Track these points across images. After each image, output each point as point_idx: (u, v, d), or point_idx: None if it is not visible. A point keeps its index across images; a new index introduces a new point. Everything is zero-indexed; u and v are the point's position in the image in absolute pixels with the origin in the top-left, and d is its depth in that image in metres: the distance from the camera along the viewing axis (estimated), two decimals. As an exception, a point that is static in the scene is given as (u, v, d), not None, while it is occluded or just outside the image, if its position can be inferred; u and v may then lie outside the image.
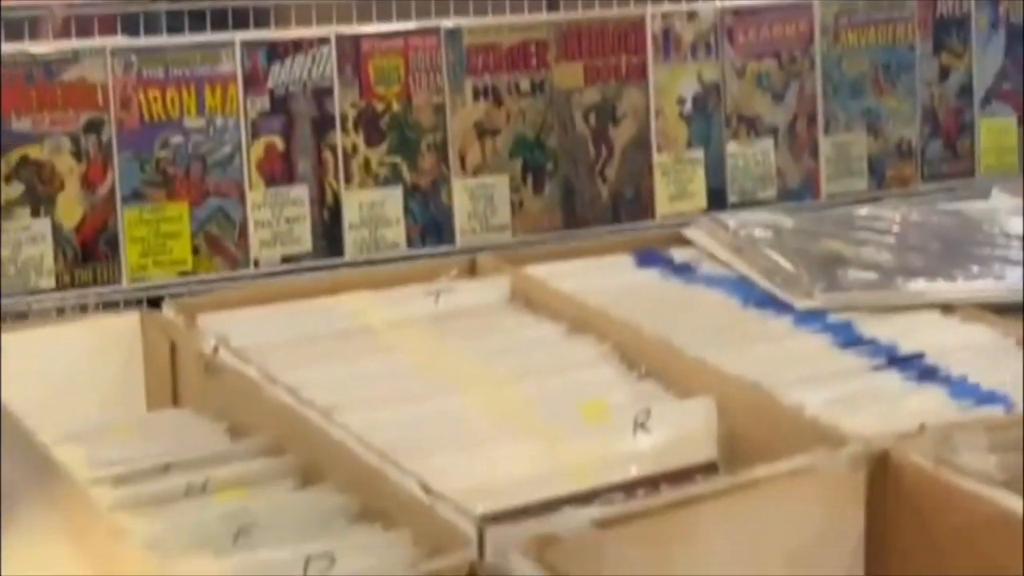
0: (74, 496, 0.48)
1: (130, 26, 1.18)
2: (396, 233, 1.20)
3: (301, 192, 1.17)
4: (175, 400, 0.72)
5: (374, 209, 1.20)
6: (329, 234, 1.19)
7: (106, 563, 0.42)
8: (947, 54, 1.45)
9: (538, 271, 0.78)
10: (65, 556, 0.42)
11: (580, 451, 0.60)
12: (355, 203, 1.17)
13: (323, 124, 1.17)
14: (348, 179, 1.19)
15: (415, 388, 0.67)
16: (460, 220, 1.24)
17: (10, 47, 1.05)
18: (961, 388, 0.65)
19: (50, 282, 1.06)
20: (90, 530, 0.47)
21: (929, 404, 0.65)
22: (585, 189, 1.31)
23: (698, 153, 1.35)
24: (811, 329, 0.71)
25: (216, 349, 0.67)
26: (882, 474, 0.60)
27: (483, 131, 1.24)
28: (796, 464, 0.55)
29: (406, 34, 1.20)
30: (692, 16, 1.33)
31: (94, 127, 1.08)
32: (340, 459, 0.57)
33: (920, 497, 0.59)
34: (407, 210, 1.21)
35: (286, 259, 1.16)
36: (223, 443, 0.62)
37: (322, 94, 1.16)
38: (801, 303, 0.71)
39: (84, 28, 1.17)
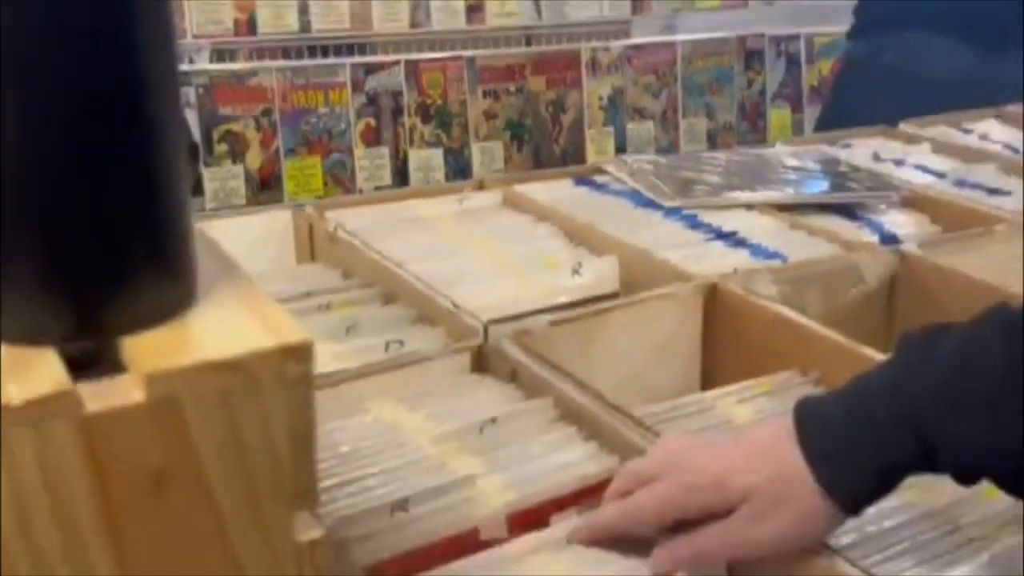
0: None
1: (288, 54, 1.69)
2: (440, 174, 1.81)
3: (384, 151, 1.75)
4: (312, 260, 0.84)
5: (426, 160, 1.78)
6: (400, 174, 1.77)
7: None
8: (752, 72, 2.02)
9: (518, 189, 0.94)
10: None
11: (542, 285, 0.74)
12: (415, 157, 1.77)
13: (397, 112, 1.74)
14: (411, 143, 1.77)
15: (449, 250, 0.82)
16: (475, 166, 1.81)
17: (219, 66, 1.66)
18: (757, 250, 0.83)
19: (241, 201, 1.66)
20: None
21: (739, 259, 0.80)
22: (545, 149, 1.91)
23: (610, 129, 1.95)
24: (673, 219, 0.88)
25: (335, 229, 0.80)
26: (712, 298, 0.73)
27: (488, 116, 1.82)
28: (663, 291, 0.70)
29: (444, 60, 1.75)
30: (607, 50, 1.86)
31: (267, 112, 1.67)
32: (407, 290, 0.73)
33: (734, 311, 0.72)
34: (445, 161, 1.80)
35: (376, 188, 1.74)
36: (340, 283, 0.78)
37: (396, 94, 1.72)
38: (668, 204, 0.89)
39: (261, 54, 1.68)
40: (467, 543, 0.44)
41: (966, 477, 0.40)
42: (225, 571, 0.24)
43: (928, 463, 0.39)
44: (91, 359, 0.22)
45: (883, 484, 0.41)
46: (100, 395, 0.22)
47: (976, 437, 0.38)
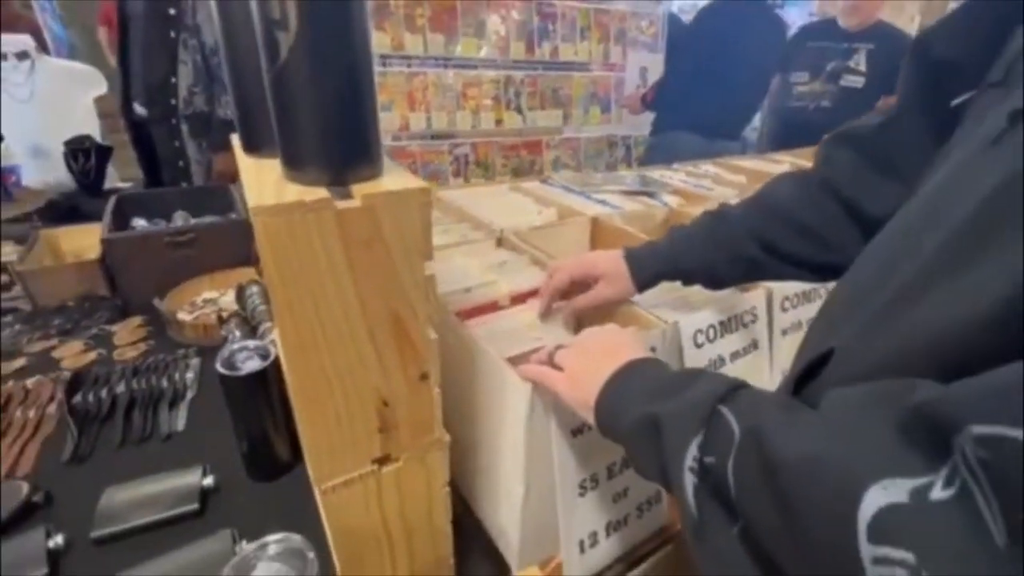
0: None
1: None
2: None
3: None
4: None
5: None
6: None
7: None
8: (618, 150, 2.57)
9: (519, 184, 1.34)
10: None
11: (521, 219, 1.04)
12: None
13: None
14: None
15: (489, 207, 1.10)
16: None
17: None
18: (613, 207, 1.12)
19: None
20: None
21: (607, 209, 1.10)
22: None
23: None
24: (580, 196, 1.21)
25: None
26: (596, 224, 1.03)
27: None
28: (574, 220, 1.02)
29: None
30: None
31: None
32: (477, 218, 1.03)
33: (603, 230, 1.01)
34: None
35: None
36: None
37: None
38: (578, 189, 1.29)
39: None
40: (493, 306, 0.70)
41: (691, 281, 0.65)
42: (396, 286, 0.38)
43: (675, 273, 0.64)
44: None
45: (656, 280, 0.65)
46: (343, 203, 0.35)
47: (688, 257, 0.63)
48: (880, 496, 0.23)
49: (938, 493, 0.22)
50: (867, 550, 0.22)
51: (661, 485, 0.38)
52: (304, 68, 0.32)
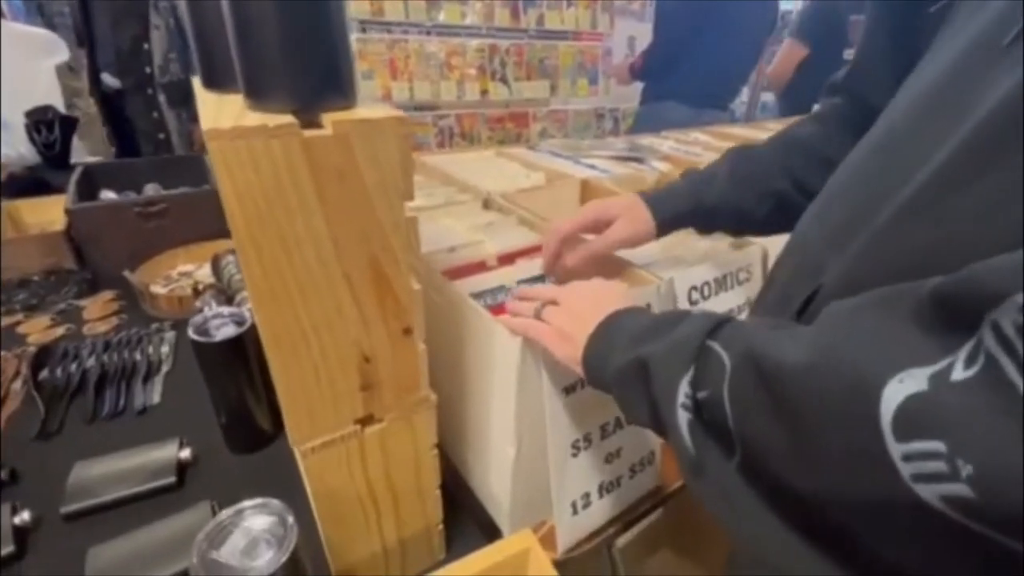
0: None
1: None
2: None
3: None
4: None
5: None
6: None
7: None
8: (608, 121, 2.46)
9: (505, 150, 1.33)
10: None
11: (508, 183, 0.99)
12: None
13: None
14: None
15: (477, 169, 1.10)
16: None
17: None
18: (603, 171, 1.12)
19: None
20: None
21: (595, 172, 1.09)
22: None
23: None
24: (568, 160, 1.21)
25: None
26: (585, 185, 1.01)
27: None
28: (562, 182, 1.03)
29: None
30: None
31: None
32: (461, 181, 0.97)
33: (592, 189, 1.00)
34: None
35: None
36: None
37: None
38: (566, 154, 1.29)
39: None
40: (480, 267, 0.67)
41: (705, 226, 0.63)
42: (374, 227, 0.35)
43: (698, 213, 0.61)
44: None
45: (676, 221, 0.62)
46: (312, 131, 0.32)
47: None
48: (898, 390, 0.22)
49: (960, 374, 0.21)
50: (895, 448, 0.21)
51: (653, 429, 0.37)
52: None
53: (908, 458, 0.21)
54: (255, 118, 0.30)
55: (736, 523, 0.31)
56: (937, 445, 0.20)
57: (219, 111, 0.32)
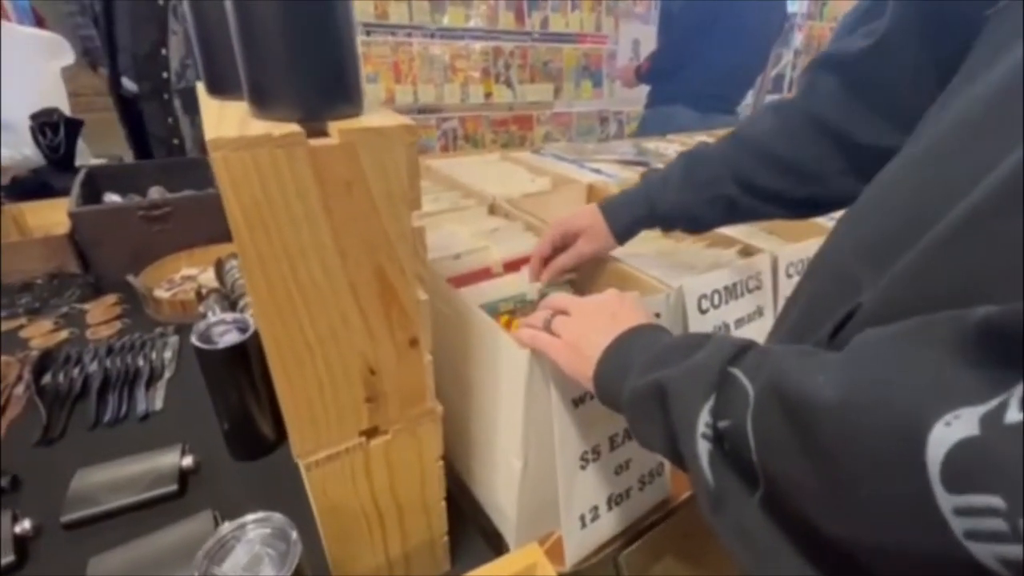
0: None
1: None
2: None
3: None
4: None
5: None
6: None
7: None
8: (610, 125, 2.45)
9: (510, 153, 1.34)
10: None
11: (514, 187, 1.02)
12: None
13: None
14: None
15: (482, 174, 1.11)
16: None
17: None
18: (608, 175, 1.14)
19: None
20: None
21: (601, 177, 1.11)
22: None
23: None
24: (573, 165, 1.23)
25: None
26: (591, 189, 1.02)
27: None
28: (570, 185, 1.03)
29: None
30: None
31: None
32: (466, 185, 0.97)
33: (598, 193, 1.00)
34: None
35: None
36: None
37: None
38: (570, 158, 1.33)
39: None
40: (485, 273, 0.68)
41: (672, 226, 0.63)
42: (381, 237, 0.34)
43: (653, 219, 0.63)
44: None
45: (634, 227, 0.64)
46: (317, 140, 0.31)
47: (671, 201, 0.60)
48: (947, 434, 0.19)
49: (1015, 415, 0.18)
50: (946, 501, 0.19)
51: (668, 457, 0.35)
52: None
53: (961, 512, 0.19)
54: (259, 127, 0.29)
55: (756, 562, 0.29)
56: (995, 501, 0.18)
57: (222, 119, 0.31)
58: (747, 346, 0.32)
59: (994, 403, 0.19)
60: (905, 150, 0.37)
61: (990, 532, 0.18)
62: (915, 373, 0.21)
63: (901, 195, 0.35)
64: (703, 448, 0.31)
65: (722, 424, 0.30)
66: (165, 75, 1.51)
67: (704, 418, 0.31)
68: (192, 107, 1.57)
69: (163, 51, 1.50)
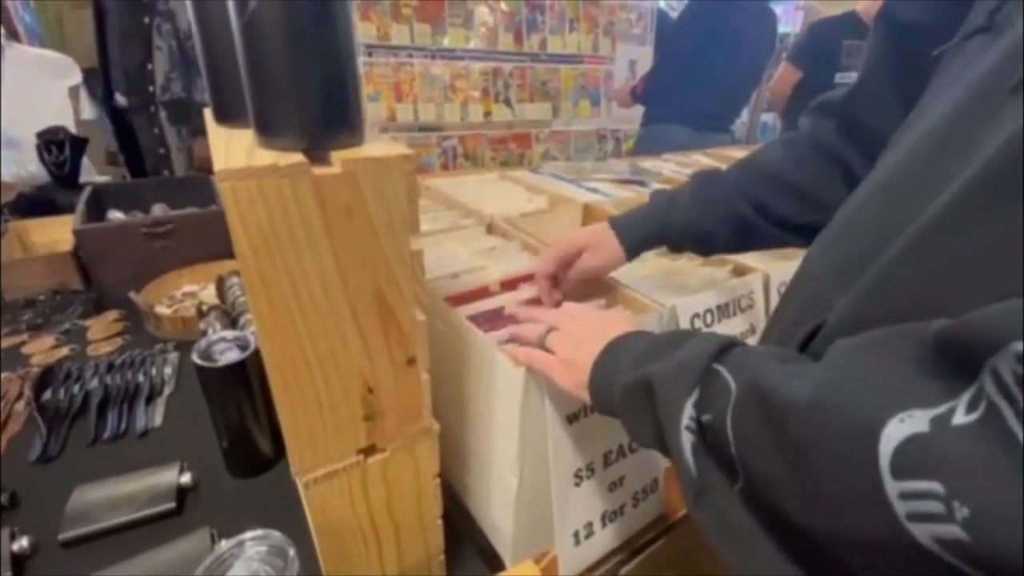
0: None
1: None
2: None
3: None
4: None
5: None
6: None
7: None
8: (609, 142, 2.46)
9: (508, 172, 1.40)
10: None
11: (511, 206, 1.03)
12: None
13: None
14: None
15: (480, 194, 1.12)
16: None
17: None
18: (604, 194, 1.17)
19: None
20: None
21: (597, 197, 1.14)
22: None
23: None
24: (570, 184, 1.26)
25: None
26: (587, 209, 1.05)
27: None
28: (566, 206, 1.04)
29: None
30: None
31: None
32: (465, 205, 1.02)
33: (593, 213, 1.03)
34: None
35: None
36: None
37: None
38: (568, 177, 1.35)
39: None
40: (483, 292, 0.68)
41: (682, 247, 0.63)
42: (380, 260, 0.36)
43: (664, 236, 0.63)
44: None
45: (644, 244, 0.64)
46: (321, 169, 0.32)
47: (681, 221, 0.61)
48: (899, 429, 0.21)
49: (960, 418, 0.20)
50: (892, 486, 0.21)
51: (658, 450, 0.37)
52: (276, 14, 0.30)
53: (904, 496, 0.21)
54: (265, 156, 0.31)
55: (735, 551, 0.30)
56: (934, 486, 0.20)
57: (229, 148, 0.33)
58: (730, 343, 0.34)
59: (944, 408, 0.21)
60: (870, 178, 0.40)
61: (928, 513, 0.20)
62: (877, 377, 0.24)
63: (864, 216, 0.38)
64: (687, 440, 0.33)
65: (705, 418, 0.32)
66: (151, 88, 1.60)
67: (688, 411, 0.33)
68: (177, 118, 1.64)
69: (149, 66, 1.58)
